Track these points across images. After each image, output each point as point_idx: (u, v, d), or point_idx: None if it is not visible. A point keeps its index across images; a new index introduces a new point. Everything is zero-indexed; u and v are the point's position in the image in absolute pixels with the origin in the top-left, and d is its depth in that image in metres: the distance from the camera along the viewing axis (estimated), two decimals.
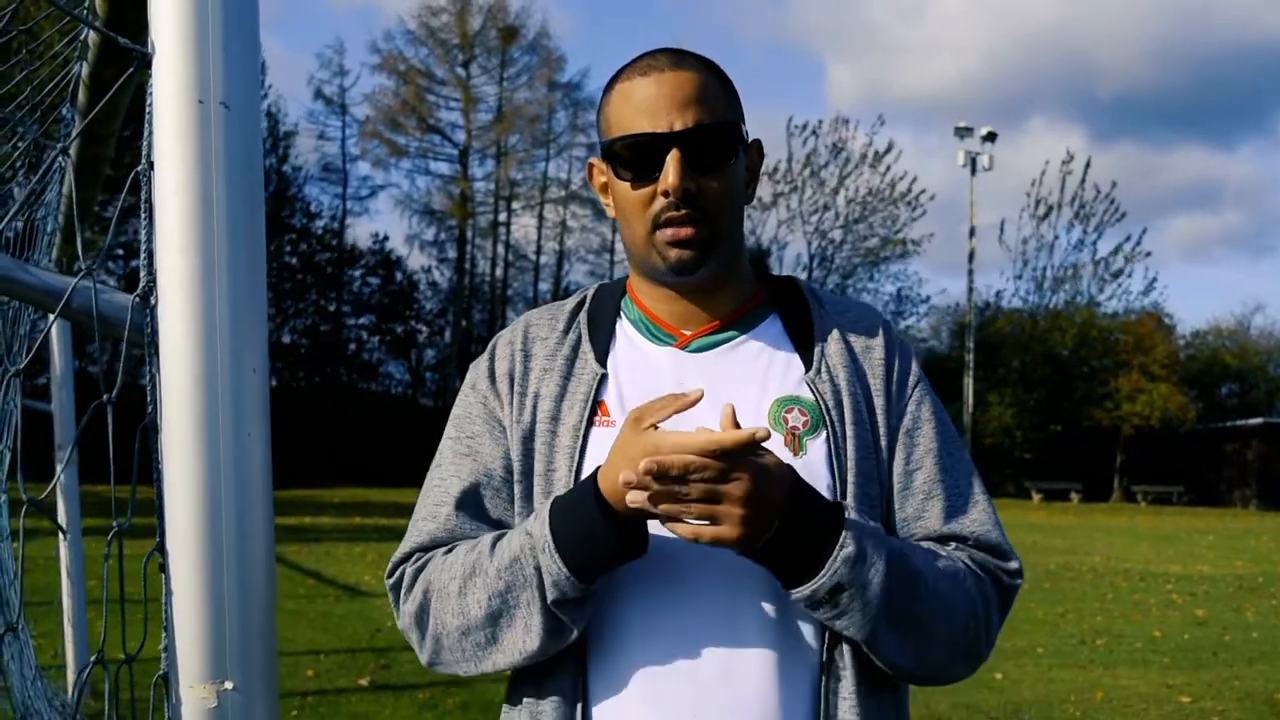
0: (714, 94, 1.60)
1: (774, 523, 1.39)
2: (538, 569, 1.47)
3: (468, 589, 1.53)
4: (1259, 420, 43.36)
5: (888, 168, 47.58)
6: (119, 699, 1.31)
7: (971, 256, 45.88)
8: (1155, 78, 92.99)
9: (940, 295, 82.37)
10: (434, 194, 47.49)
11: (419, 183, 60.39)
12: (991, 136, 46.08)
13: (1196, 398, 47.18)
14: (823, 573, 1.41)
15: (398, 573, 1.66)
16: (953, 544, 1.62)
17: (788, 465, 1.42)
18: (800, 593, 1.44)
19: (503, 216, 47.87)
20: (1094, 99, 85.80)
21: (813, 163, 47.58)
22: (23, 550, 1.19)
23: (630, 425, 1.41)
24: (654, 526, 1.46)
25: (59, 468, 6.14)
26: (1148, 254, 48.24)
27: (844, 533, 1.42)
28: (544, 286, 47.75)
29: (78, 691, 1.32)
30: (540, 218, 47.83)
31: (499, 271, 48.66)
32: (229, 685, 1.15)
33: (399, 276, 46.18)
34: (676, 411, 1.41)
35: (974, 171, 46.02)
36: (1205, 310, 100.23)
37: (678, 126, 1.55)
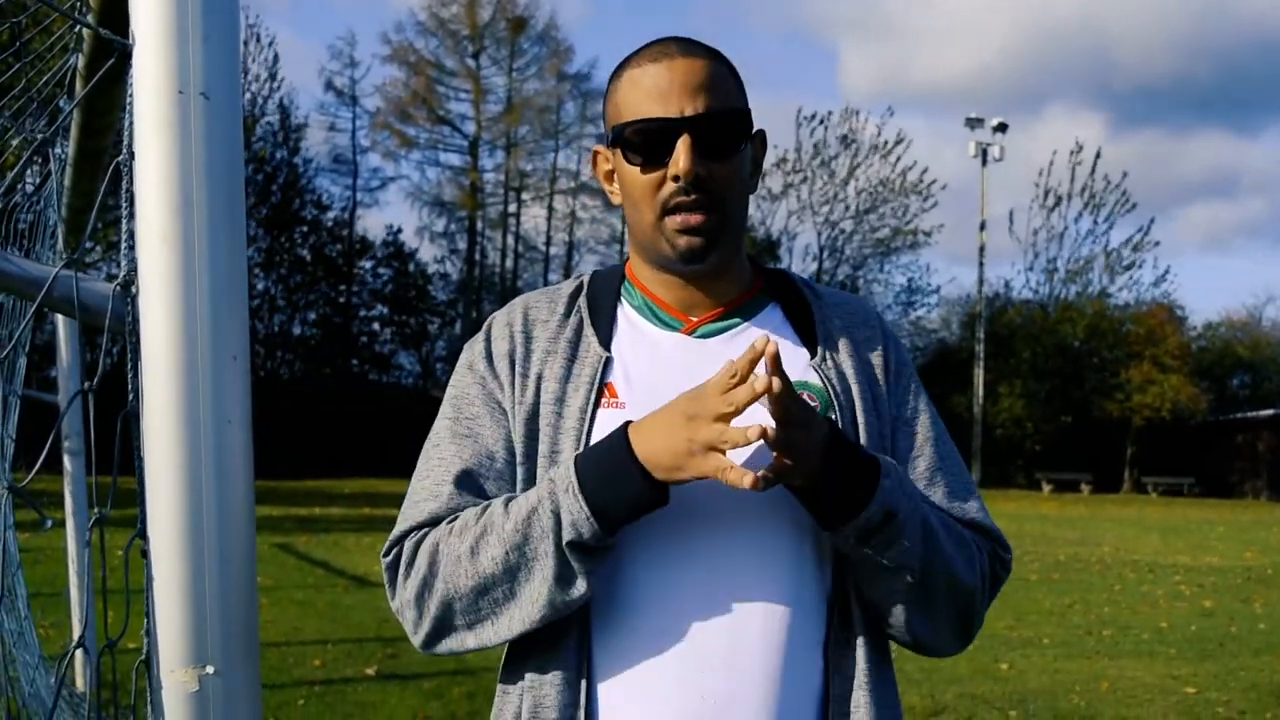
0: (724, 81, 1.60)
1: (824, 446, 1.45)
2: (555, 512, 1.47)
3: (481, 548, 1.51)
4: (1270, 412, 43.28)
5: (898, 158, 47.52)
6: (111, 684, 1.32)
7: (982, 249, 45.86)
8: (1175, 65, 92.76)
9: (951, 285, 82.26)
10: (444, 185, 47.63)
11: (429, 174, 60.54)
12: (1003, 127, 46.04)
13: (1208, 389, 47.10)
14: (875, 500, 1.47)
15: (395, 550, 1.63)
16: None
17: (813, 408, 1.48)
18: (854, 523, 1.47)
19: (512, 208, 47.97)
20: (1113, 86, 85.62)
21: (822, 153, 47.51)
22: (5, 537, 1.20)
23: (693, 400, 1.43)
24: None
25: (65, 459, 6.16)
26: (1156, 243, 48.05)
27: (881, 464, 1.50)
28: (554, 277, 47.72)
29: (59, 677, 1.33)
30: (550, 209, 47.90)
31: (509, 262, 48.77)
32: (210, 670, 1.16)
33: (412, 268, 46.19)
34: (751, 399, 1.39)
35: (985, 162, 45.97)
36: (1227, 300, 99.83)
37: (689, 112, 1.55)
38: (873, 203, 47.86)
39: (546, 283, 45.98)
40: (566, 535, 1.46)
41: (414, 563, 1.59)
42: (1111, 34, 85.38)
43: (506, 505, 1.53)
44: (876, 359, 1.70)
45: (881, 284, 48.84)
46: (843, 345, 1.68)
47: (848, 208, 47.93)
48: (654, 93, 1.57)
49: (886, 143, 47.48)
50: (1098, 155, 48.25)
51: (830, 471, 1.45)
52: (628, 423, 1.49)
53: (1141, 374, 44.07)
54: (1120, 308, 47.63)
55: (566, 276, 46.76)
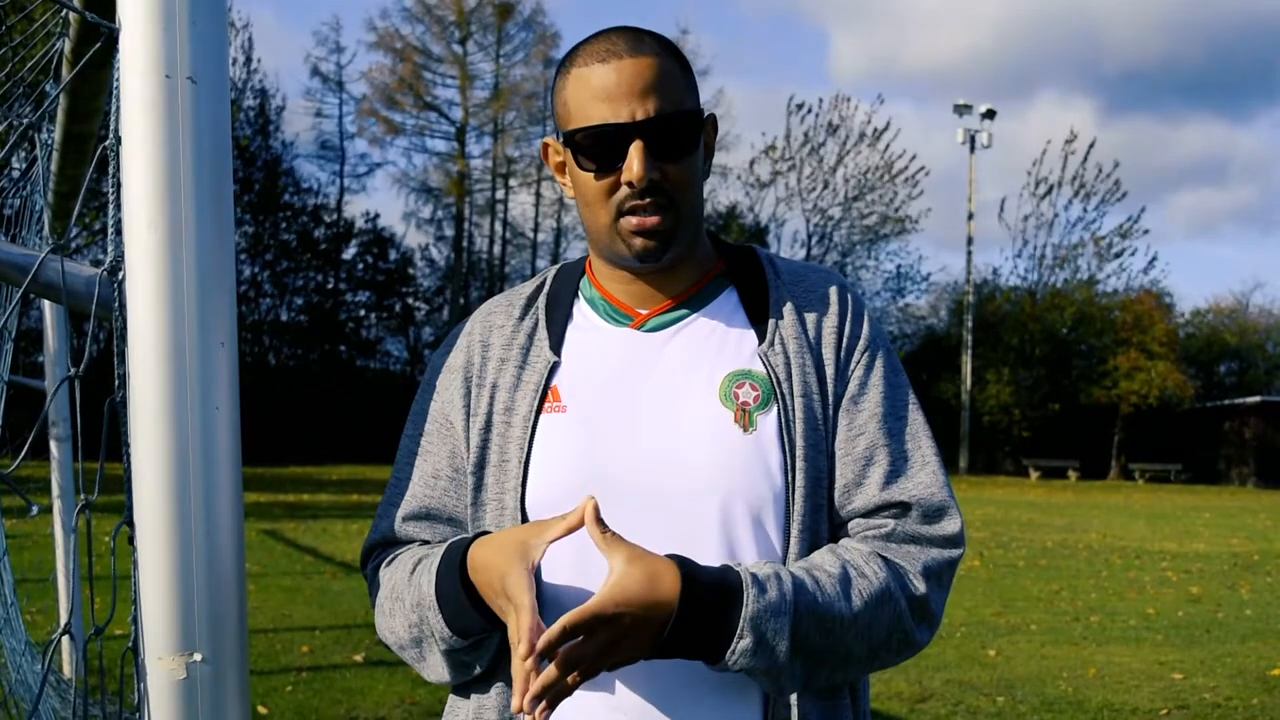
0: (673, 79, 1.57)
1: (654, 642, 1.39)
2: (429, 621, 1.53)
3: (395, 611, 1.60)
4: (1257, 398, 43.40)
5: (887, 145, 47.49)
6: (99, 670, 1.32)
7: (970, 238, 45.91)
8: (1166, 50, 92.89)
9: (941, 273, 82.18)
10: (431, 172, 47.44)
11: (416, 160, 60.54)
12: (991, 114, 46.04)
13: (1195, 376, 47.23)
14: (724, 663, 1.42)
15: (366, 568, 1.74)
16: (889, 514, 1.59)
17: (657, 579, 1.38)
18: (712, 671, 1.46)
19: (500, 194, 47.82)
20: (1104, 72, 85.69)
21: (811, 140, 47.45)
22: None
23: (519, 557, 1.41)
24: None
25: (51, 445, 6.15)
26: (1145, 231, 48.05)
27: (740, 624, 1.40)
28: (541, 264, 47.67)
29: (46, 664, 1.32)
30: (537, 195, 47.73)
31: (496, 249, 48.63)
32: (198, 657, 1.16)
33: (393, 254, 46.07)
34: (565, 534, 1.41)
35: (973, 149, 46.00)
36: (1215, 287, 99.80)
37: (639, 116, 1.52)
38: (860, 190, 47.84)
39: (534, 269, 46.01)
40: (440, 646, 1.54)
41: (372, 592, 1.69)
42: (1101, 19, 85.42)
43: (412, 573, 1.58)
44: (829, 335, 1.65)
45: (870, 271, 48.85)
46: (794, 327, 1.64)
47: (835, 194, 47.92)
48: (602, 95, 1.54)
49: (875, 130, 47.47)
50: (1091, 145, 48.16)
51: (673, 643, 1.40)
52: (466, 548, 1.50)
53: (1129, 361, 44.16)
54: (1108, 295, 47.69)
55: (554, 263, 46.65)
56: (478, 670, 1.56)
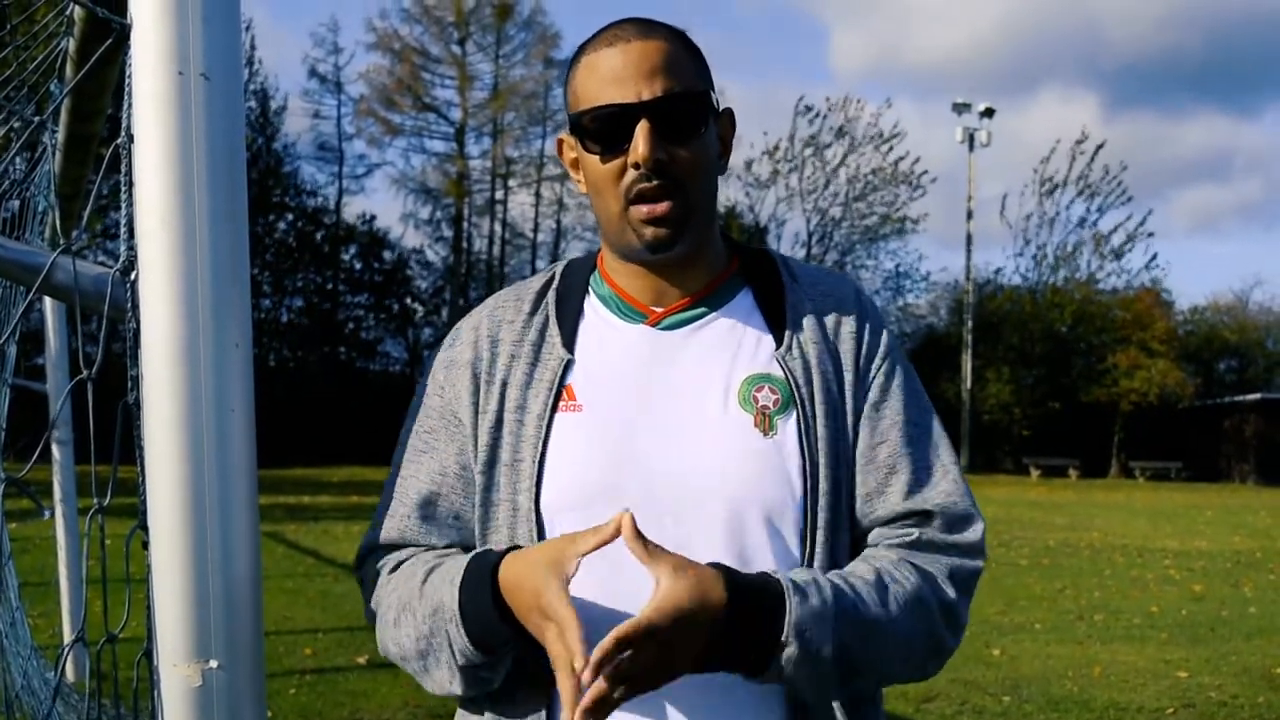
0: (682, 62, 1.56)
1: (700, 653, 1.36)
2: (448, 632, 1.47)
3: (402, 621, 1.54)
4: (1257, 396, 43.39)
5: (890, 148, 47.48)
6: (110, 678, 1.30)
7: (969, 238, 45.90)
8: (1169, 44, 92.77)
9: (941, 273, 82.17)
10: (430, 172, 47.48)
11: (414, 161, 60.56)
12: (989, 112, 45.99)
13: (1194, 373, 47.24)
14: (768, 674, 1.40)
15: (361, 569, 1.69)
16: (912, 522, 1.58)
17: (705, 588, 1.34)
18: (751, 681, 1.43)
19: (499, 194, 47.83)
20: (1106, 67, 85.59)
21: (815, 142, 47.43)
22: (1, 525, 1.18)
23: (553, 572, 1.36)
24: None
25: (53, 448, 6.12)
26: (1150, 234, 47.97)
27: (785, 632, 1.38)
28: (541, 264, 47.65)
29: (60, 669, 1.30)
30: (537, 195, 47.76)
31: (496, 250, 48.63)
32: (214, 664, 1.14)
33: (388, 255, 46.14)
34: (598, 547, 1.36)
35: (971, 148, 45.97)
36: (1214, 284, 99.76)
37: (646, 96, 1.51)
38: (862, 190, 47.83)
39: (533, 269, 45.97)
40: (458, 661, 1.48)
41: (371, 595, 1.64)
42: (1103, 13, 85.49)
43: (425, 582, 1.54)
44: (848, 344, 1.63)
45: (870, 270, 48.84)
46: (813, 332, 1.62)
47: (836, 195, 47.91)
48: (610, 78, 1.52)
49: (881, 134, 47.43)
50: (1100, 147, 48.03)
51: (718, 653, 1.38)
52: (498, 561, 1.45)
53: (1129, 359, 44.18)
54: (1108, 293, 47.69)
55: (554, 263, 46.66)
56: (495, 685, 1.52)
